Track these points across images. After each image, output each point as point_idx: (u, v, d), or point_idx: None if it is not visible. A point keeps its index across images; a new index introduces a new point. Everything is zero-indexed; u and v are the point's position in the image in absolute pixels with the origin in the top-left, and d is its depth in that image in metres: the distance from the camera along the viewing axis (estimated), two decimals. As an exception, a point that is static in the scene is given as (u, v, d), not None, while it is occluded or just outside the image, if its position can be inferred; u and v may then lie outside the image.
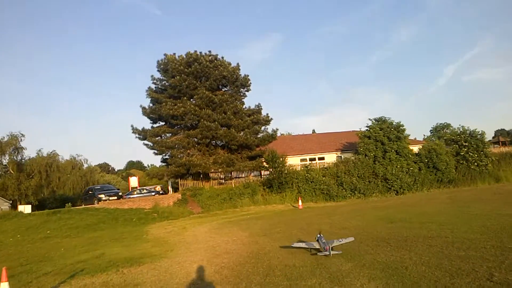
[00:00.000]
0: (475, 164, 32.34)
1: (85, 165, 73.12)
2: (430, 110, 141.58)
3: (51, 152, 54.84)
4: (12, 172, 47.31)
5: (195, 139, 29.90)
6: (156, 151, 30.33)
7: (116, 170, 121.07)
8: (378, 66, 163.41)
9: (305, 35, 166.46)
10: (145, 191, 41.01)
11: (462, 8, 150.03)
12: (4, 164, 47.72)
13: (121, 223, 23.66)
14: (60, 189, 64.41)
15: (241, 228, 16.08)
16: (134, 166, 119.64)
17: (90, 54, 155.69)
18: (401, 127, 32.15)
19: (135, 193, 40.81)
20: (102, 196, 29.39)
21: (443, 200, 21.60)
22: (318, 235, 9.47)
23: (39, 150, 54.24)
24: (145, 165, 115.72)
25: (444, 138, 34.98)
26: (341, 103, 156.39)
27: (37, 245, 17.70)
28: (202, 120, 28.33)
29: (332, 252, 8.73)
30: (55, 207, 36.48)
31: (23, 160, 50.05)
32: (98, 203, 28.48)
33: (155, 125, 32.36)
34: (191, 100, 29.23)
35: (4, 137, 47.65)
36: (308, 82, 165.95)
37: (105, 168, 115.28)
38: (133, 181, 55.72)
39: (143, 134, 30.43)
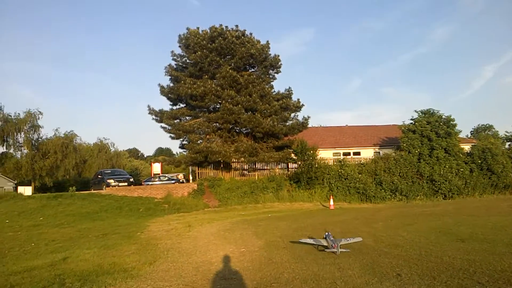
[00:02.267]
0: (539, 168, 27.76)
1: (112, 149, 73.17)
2: (468, 112, 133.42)
3: (69, 132, 52.67)
4: (27, 150, 45.47)
5: (216, 124, 26.65)
6: (172, 135, 27.33)
7: (145, 156, 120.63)
8: (413, 64, 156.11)
9: (338, 31, 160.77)
10: (165, 178, 38.62)
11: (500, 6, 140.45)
12: (19, 142, 45.74)
13: (124, 213, 20.82)
14: (86, 172, 64.37)
15: (257, 232, 12.73)
16: (163, 153, 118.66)
17: (125, 39, 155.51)
18: (451, 122, 27.94)
19: (155, 180, 38.77)
20: (111, 181, 26.67)
21: (506, 210, 17.65)
22: (326, 233, 9.50)
23: (56, 130, 52.22)
24: (174, 152, 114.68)
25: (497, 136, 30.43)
26: (374, 101, 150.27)
27: (17, 234, 14.94)
28: (223, 102, 25.04)
29: (340, 250, 8.58)
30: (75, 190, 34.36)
31: (39, 139, 48.03)
32: (106, 189, 25.80)
33: (174, 107, 29.34)
34: (213, 79, 25.87)
35: (19, 114, 45.69)
36: (341, 79, 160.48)
37: (134, 153, 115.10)
38: (156, 168, 53.45)
39: (160, 116, 27.45)
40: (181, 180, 35.90)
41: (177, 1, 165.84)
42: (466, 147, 31.04)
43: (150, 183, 36.29)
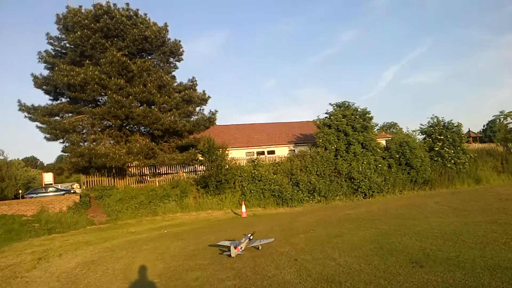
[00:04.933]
0: (452, 162, 27.03)
1: (1, 157, 64.57)
2: (374, 111, 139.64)
3: None
4: None
5: (104, 121, 21.95)
6: (48, 136, 21.97)
7: (45, 164, 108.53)
8: (322, 66, 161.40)
9: (252, 32, 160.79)
10: (50, 189, 32.86)
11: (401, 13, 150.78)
12: None
13: (-27, 239, 15.53)
14: None
15: (133, 264, 8.86)
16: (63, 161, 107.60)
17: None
18: (367, 115, 26.14)
19: (39, 191, 32.88)
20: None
21: (435, 207, 15.76)
22: (249, 234, 9.58)
23: None
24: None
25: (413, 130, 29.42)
26: (289, 102, 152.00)
27: None
28: (110, 92, 20.45)
29: (237, 253, 8.60)
30: None
31: None
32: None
33: (55, 102, 23.88)
34: (98, 66, 21.05)
35: None
36: (256, 81, 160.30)
37: (32, 162, 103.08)
38: (47, 177, 46.51)
39: (33, 113, 21.96)
40: (74, 191, 30.47)
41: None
42: (382, 142, 29.78)
43: (35, 195, 30.43)
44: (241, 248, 8.94)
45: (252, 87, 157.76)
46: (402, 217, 13.41)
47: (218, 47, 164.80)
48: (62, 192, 29.68)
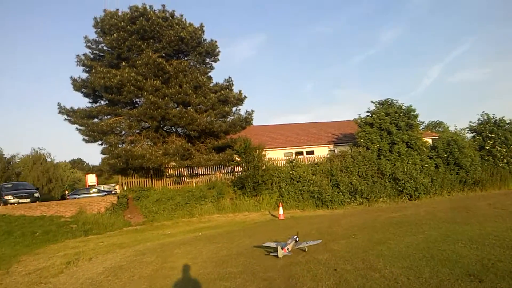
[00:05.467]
0: (504, 161, 25.14)
1: (48, 160, 67.74)
2: (418, 111, 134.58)
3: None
4: None
5: (141, 122, 21.95)
6: (86, 138, 22.24)
7: (91, 166, 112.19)
8: (363, 66, 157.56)
9: (290, 35, 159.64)
10: (93, 191, 33.59)
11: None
12: None
13: (13, 239, 15.70)
14: None
15: (163, 268, 8.45)
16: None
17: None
18: (412, 113, 24.73)
19: (82, 192, 33.72)
20: (10, 197, 21.26)
21: (488, 210, 14.42)
22: (294, 236, 9.36)
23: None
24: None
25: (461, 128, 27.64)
26: (327, 103, 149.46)
27: None
28: (146, 94, 20.38)
29: (284, 254, 8.56)
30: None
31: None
32: (3, 206, 20.46)
33: (95, 105, 24.20)
34: (134, 68, 21.06)
35: None
36: (293, 82, 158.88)
37: (78, 164, 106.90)
38: (91, 179, 47.79)
39: (72, 115, 22.33)
40: (116, 192, 30.95)
41: None
42: (429, 141, 28.23)
43: (77, 196, 31.13)
44: (287, 249, 8.82)
45: (292, 90, 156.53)
46: (453, 221, 12.28)
47: (257, 51, 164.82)
48: (104, 193, 30.20)
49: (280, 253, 8.62)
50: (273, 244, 9.47)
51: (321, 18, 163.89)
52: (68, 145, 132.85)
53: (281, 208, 18.12)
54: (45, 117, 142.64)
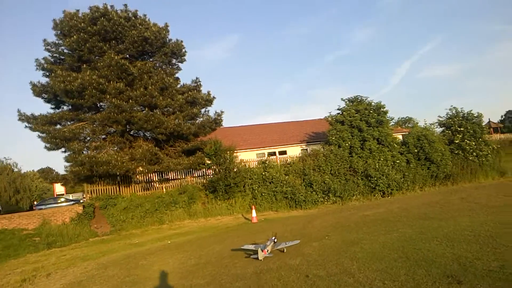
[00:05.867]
0: (474, 154, 25.42)
1: (15, 169, 65.41)
2: (388, 107, 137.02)
3: None
4: None
5: (106, 127, 21.02)
6: (48, 146, 21.11)
7: (60, 174, 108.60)
8: (334, 66, 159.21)
9: (264, 36, 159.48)
10: (60, 200, 32.31)
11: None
12: None
13: (-33, 257, 14.67)
14: None
15: (123, 283, 7.83)
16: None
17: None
18: (382, 109, 24.73)
19: (49, 202, 32.40)
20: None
21: (461, 205, 14.38)
22: (272, 237, 9.27)
23: None
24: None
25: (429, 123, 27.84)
26: (303, 103, 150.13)
27: None
28: (109, 97, 19.49)
29: (264, 256, 8.48)
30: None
31: None
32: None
33: (58, 110, 23.03)
34: (96, 70, 20.10)
35: None
36: (269, 84, 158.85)
37: (47, 173, 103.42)
38: (59, 188, 46.23)
39: (33, 122, 21.17)
40: (81, 201, 29.77)
41: None
42: (399, 136, 28.34)
43: (44, 207, 29.81)
44: (267, 250, 8.82)
45: (266, 90, 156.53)
46: (426, 217, 12.09)
47: (230, 52, 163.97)
48: (73, 202, 29.00)
49: (261, 255, 8.51)
50: (251, 247, 9.41)
51: (295, 20, 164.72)
52: (36, 154, 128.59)
53: (253, 211, 17.65)
54: (11, 125, 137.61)
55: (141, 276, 8.27)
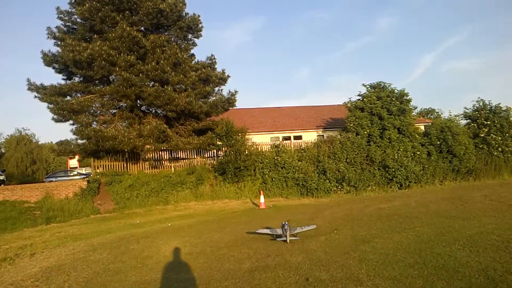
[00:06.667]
0: (499, 149, 24.06)
1: (34, 141, 66.38)
2: (412, 97, 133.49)
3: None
4: None
5: (115, 101, 20.33)
6: (55, 117, 20.58)
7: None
8: (355, 54, 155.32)
9: (287, 20, 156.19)
10: (72, 173, 32.21)
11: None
12: None
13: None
14: (4, 167, 57.85)
15: (105, 271, 7.13)
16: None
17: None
18: (405, 97, 23.46)
19: (59, 175, 32.31)
20: (-28, 180, 19.70)
21: (485, 203, 13.32)
22: (284, 223, 8.96)
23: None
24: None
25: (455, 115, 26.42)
26: (322, 89, 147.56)
27: None
28: (119, 70, 18.73)
29: (290, 238, 8.60)
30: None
31: None
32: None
33: (69, 82, 22.43)
34: (107, 41, 19.33)
35: None
36: (288, 68, 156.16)
37: (65, 145, 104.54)
38: (73, 162, 46.27)
39: (41, 92, 20.63)
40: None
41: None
42: (421, 127, 27.02)
43: (54, 179, 29.66)
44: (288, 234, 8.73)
45: (285, 76, 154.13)
46: (447, 215, 11.06)
47: (252, 36, 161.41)
48: (84, 176, 28.75)
49: (289, 238, 8.57)
50: (266, 231, 9.39)
51: (318, 5, 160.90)
52: (56, 126, 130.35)
53: (262, 197, 16.84)
54: (31, 96, 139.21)
55: (126, 264, 7.55)
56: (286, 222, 9.04)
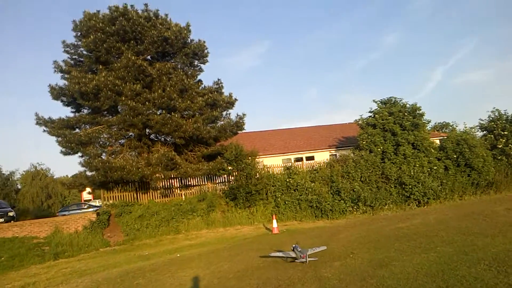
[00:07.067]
0: (519, 160, 23.22)
1: (48, 175, 67.03)
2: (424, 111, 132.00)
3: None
4: None
5: (122, 131, 20.22)
6: (63, 150, 20.51)
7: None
8: (366, 70, 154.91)
9: (293, 42, 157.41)
10: (85, 206, 32.11)
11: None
12: None
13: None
14: (20, 202, 58.38)
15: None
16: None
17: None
18: (418, 111, 22.89)
19: (71, 209, 32.26)
20: (-21, 218, 19.52)
21: (508, 217, 12.65)
22: (294, 245, 9.38)
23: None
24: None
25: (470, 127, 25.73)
26: (332, 109, 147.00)
27: None
28: (125, 99, 18.66)
29: (308, 259, 8.76)
30: None
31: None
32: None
33: (78, 114, 22.49)
34: (112, 71, 19.34)
35: None
36: (297, 89, 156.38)
37: (79, 179, 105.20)
38: (87, 195, 46.33)
39: (49, 126, 20.65)
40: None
41: None
42: (436, 141, 26.32)
43: (67, 213, 29.57)
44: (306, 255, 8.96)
45: (294, 97, 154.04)
46: (469, 232, 10.39)
47: (260, 60, 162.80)
48: (96, 209, 28.61)
49: (306, 259, 8.79)
50: (280, 254, 9.53)
51: (322, 25, 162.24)
52: (70, 160, 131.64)
53: (274, 221, 16.27)
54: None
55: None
56: (296, 245, 9.34)
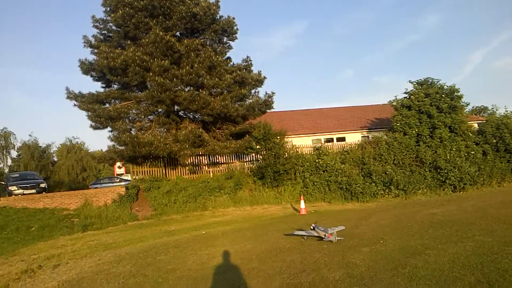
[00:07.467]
0: None
1: (83, 149, 68.94)
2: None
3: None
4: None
5: (151, 106, 20.12)
6: (93, 125, 20.66)
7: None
8: (404, 52, 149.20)
9: (331, 22, 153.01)
10: (116, 180, 32.71)
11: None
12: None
13: (4, 235, 14.27)
14: (56, 174, 60.48)
15: (129, 285, 6.54)
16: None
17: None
18: (456, 93, 21.78)
19: (103, 182, 33.00)
20: (14, 188, 19.97)
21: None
22: (313, 225, 9.43)
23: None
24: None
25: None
26: (367, 90, 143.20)
27: None
28: (153, 75, 18.46)
29: (338, 238, 8.82)
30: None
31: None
32: (8, 197, 19.34)
33: (108, 89, 22.58)
34: (140, 47, 19.15)
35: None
36: (333, 70, 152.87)
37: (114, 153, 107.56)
38: (118, 168, 47.14)
39: (80, 100, 20.81)
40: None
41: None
42: (475, 125, 25.09)
43: (99, 186, 30.18)
44: (332, 234, 9.03)
45: (329, 78, 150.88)
46: (510, 222, 9.67)
47: (296, 40, 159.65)
48: (128, 183, 29.06)
49: (333, 238, 8.85)
50: (302, 232, 9.54)
51: (361, 5, 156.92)
52: (104, 134, 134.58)
53: (302, 202, 15.88)
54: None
55: (148, 279, 6.93)
56: (315, 224, 9.49)
